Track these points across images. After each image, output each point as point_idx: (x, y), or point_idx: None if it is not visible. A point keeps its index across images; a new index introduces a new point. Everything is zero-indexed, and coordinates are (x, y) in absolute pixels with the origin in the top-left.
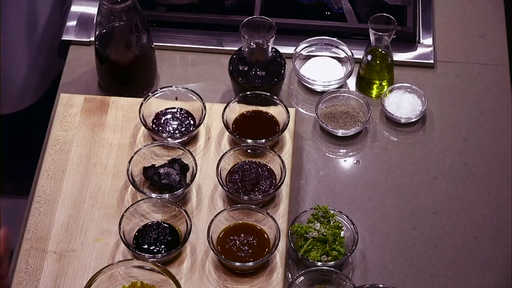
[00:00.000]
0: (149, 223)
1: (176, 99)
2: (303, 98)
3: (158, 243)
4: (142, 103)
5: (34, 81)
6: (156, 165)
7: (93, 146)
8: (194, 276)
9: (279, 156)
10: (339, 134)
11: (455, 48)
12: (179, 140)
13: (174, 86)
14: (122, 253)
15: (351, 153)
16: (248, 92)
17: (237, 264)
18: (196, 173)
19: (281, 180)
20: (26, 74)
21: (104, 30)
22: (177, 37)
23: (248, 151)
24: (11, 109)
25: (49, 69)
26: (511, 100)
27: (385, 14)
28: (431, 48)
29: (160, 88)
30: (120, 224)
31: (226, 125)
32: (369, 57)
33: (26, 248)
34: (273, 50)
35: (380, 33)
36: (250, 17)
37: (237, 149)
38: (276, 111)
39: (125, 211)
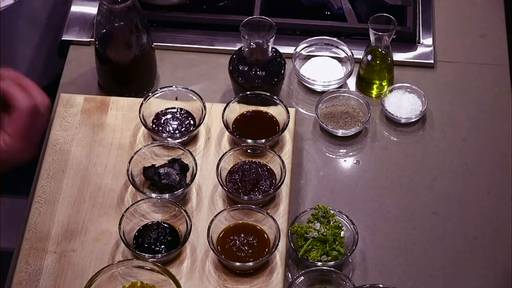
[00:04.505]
0: (149, 223)
1: (176, 99)
2: (303, 98)
3: (158, 243)
4: (142, 103)
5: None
6: (156, 165)
7: (93, 146)
8: (194, 276)
9: (279, 156)
10: (339, 134)
11: (455, 48)
12: (179, 140)
13: (174, 86)
14: (122, 253)
15: (351, 153)
16: (248, 92)
17: (237, 264)
18: (196, 173)
19: (281, 180)
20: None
21: (104, 30)
22: (177, 37)
23: (248, 151)
24: None
25: (49, 69)
26: (511, 100)
27: (385, 14)
28: (431, 48)
29: (160, 88)
30: (120, 224)
31: (226, 125)
32: (369, 57)
33: (26, 248)
34: (273, 50)
35: (380, 33)
36: (250, 17)
37: (237, 149)
38: (276, 111)
39: (125, 211)
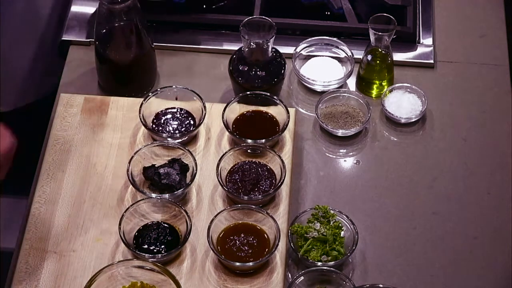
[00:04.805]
0: (149, 223)
1: (176, 99)
2: (303, 98)
3: (158, 243)
4: (142, 103)
5: (34, 81)
6: (156, 165)
7: (93, 146)
8: (194, 276)
9: (279, 156)
10: (339, 134)
11: (455, 48)
12: (179, 140)
13: (174, 86)
14: (122, 253)
15: (351, 153)
16: (248, 92)
17: (237, 264)
18: (196, 173)
19: (281, 180)
20: (26, 74)
21: (104, 30)
22: (177, 37)
23: (248, 151)
24: (11, 108)
25: (49, 69)
26: (511, 100)
27: (385, 14)
28: (431, 48)
29: (160, 88)
30: (120, 224)
31: (226, 125)
32: (369, 57)
33: (26, 248)
34: (273, 50)
35: (380, 33)
36: (250, 17)
37: (237, 149)
38: (276, 111)
39: (125, 211)
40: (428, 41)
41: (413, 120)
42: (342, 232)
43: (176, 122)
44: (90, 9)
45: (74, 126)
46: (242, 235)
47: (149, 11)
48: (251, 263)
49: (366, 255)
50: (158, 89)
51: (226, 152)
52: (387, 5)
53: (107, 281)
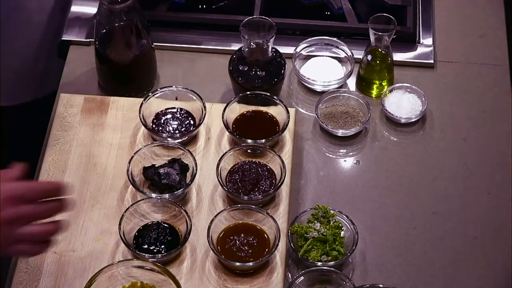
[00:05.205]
0: (149, 223)
1: (176, 99)
2: (303, 98)
3: (158, 243)
4: (142, 103)
5: (34, 81)
6: (156, 165)
7: (93, 146)
8: (194, 276)
9: (279, 156)
10: (339, 134)
11: (455, 48)
12: (179, 140)
13: (174, 86)
14: (122, 253)
15: (351, 153)
16: (248, 92)
17: (237, 264)
18: (196, 173)
19: (281, 180)
20: (26, 74)
21: (104, 30)
22: (177, 37)
23: (248, 151)
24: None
25: (49, 69)
26: (511, 100)
27: (385, 14)
28: (431, 48)
29: (160, 88)
30: (120, 224)
31: (226, 125)
32: (369, 57)
33: None
34: (273, 50)
35: (380, 33)
36: (250, 17)
37: (237, 149)
38: (276, 111)
39: (125, 211)
40: (428, 41)
41: (413, 120)
42: (342, 232)
43: (176, 122)
44: (90, 9)
45: (74, 126)
46: (242, 235)
47: (149, 11)
48: (251, 263)
49: (366, 255)
50: (158, 89)
51: (226, 152)
52: (387, 5)
53: (107, 281)
